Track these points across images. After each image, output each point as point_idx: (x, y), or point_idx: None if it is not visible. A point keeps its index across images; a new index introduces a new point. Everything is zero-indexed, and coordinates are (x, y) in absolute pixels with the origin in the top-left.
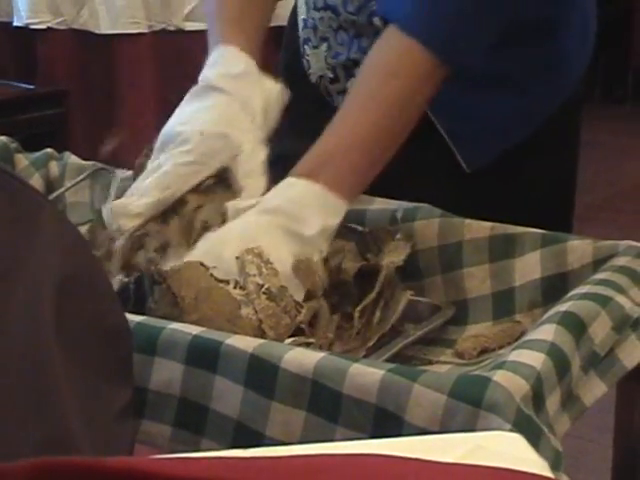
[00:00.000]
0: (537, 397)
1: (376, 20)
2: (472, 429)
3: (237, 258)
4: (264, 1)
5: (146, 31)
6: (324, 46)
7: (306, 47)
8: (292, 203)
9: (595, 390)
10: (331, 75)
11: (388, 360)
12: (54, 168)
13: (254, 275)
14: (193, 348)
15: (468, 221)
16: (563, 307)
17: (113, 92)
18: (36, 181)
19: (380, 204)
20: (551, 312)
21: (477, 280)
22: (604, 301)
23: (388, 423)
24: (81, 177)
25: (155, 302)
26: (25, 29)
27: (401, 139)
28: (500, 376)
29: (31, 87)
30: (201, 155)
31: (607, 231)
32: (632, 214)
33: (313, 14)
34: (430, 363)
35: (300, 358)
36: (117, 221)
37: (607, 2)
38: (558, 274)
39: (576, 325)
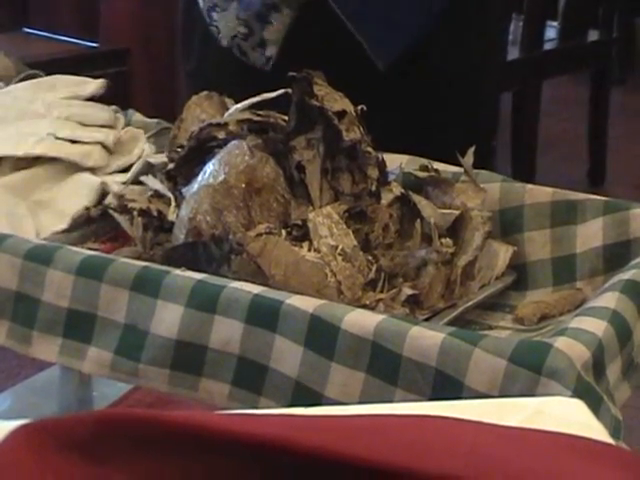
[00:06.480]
0: (598, 365)
1: None
2: (532, 395)
3: (309, 220)
4: None
5: None
6: (234, 4)
7: (213, 14)
8: None
9: None
10: (244, 30)
11: (448, 324)
12: None
13: (325, 236)
14: (254, 307)
15: (529, 186)
16: (625, 275)
17: (176, 50)
18: None
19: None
20: (613, 280)
21: (537, 244)
22: None
23: (447, 387)
24: (146, 135)
25: (233, 272)
26: None
27: None
28: (561, 342)
29: (94, 45)
30: None
31: None
32: None
33: None
34: (490, 328)
35: (361, 320)
36: None
37: None
38: (620, 242)
39: (639, 293)
